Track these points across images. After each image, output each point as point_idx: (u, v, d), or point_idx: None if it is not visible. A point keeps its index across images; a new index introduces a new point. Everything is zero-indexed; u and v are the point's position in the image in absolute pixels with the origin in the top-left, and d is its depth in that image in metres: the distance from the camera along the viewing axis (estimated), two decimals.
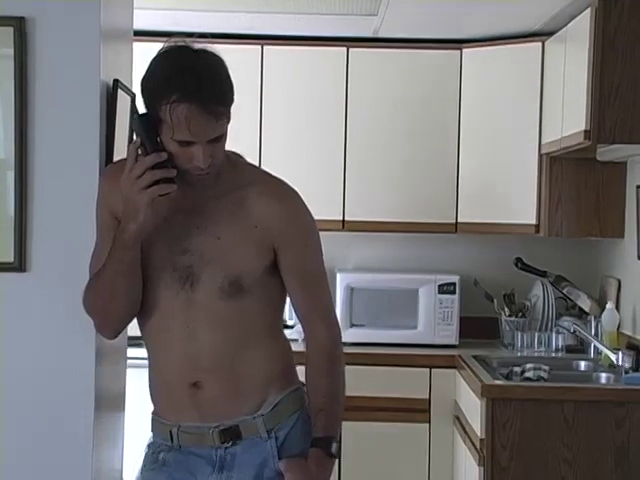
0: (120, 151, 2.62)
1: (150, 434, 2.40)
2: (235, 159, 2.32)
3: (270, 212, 2.25)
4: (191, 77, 2.07)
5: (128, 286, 2.22)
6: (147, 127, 2.13)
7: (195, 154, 2.12)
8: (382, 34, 4.77)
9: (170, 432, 2.30)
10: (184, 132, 2.08)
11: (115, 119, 2.59)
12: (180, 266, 2.23)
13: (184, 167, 2.14)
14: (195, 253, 2.22)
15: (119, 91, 2.63)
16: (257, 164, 4.52)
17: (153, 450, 2.35)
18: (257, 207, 2.24)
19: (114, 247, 2.19)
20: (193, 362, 2.24)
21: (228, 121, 2.16)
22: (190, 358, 2.24)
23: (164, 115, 2.08)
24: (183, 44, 2.15)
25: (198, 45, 2.15)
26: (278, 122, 4.82)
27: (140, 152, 2.14)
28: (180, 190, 2.17)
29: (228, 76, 2.15)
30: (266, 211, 2.24)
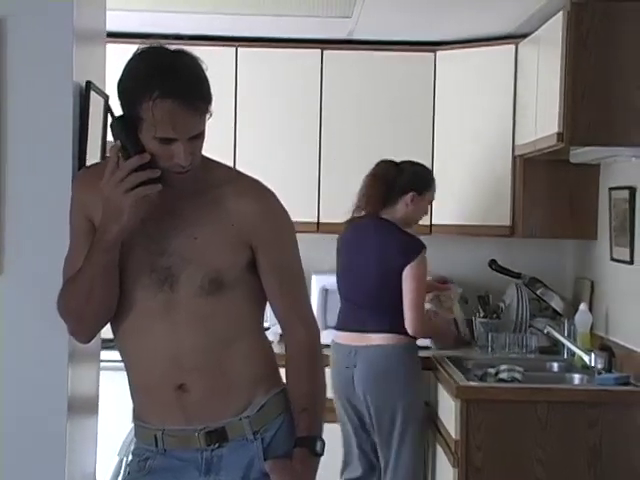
0: (93, 153, 2.61)
1: (133, 440, 2.39)
2: (208, 159, 2.31)
3: (246, 211, 2.25)
4: (172, 74, 2.08)
5: (105, 289, 2.21)
6: (126, 129, 2.12)
7: (176, 152, 2.12)
8: (357, 36, 4.78)
9: (155, 436, 2.29)
10: (167, 129, 2.08)
11: (88, 121, 2.58)
12: (159, 267, 2.22)
13: (164, 166, 2.13)
14: (173, 254, 2.22)
15: (92, 93, 2.62)
16: (232, 165, 4.52)
17: (139, 458, 2.33)
18: (233, 206, 2.24)
19: (93, 250, 2.17)
20: (176, 363, 2.23)
21: (209, 118, 2.17)
22: (173, 359, 2.23)
23: (145, 113, 2.07)
24: (159, 45, 2.15)
25: (173, 47, 2.16)
26: (253, 124, 4.82)
27: (120, 155, 2.13)
28: (157, 192, 2.16)
29: (205, 75, 2.16)
30: (242, 210, 2.25)
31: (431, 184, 4.26)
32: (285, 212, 2.34)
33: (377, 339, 4.09)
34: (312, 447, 2.26)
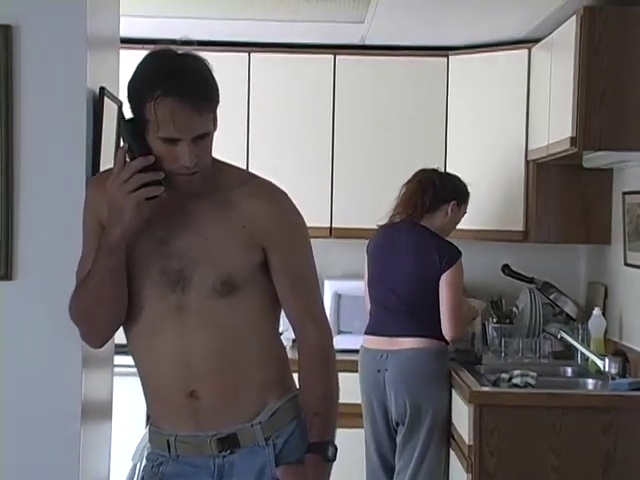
0: (107, 159, 2.62)
1: (147, 445, 2.40)
2: (220, 162, 2.31)
3: (258, 212, 2.24)
4: (174, 73, 2.10)
5: (113, 292, 2.21)
6: (134, 131, 2.14)
7: (180, 152, 2.12)
8: (369, 41, 4.78)
9: (167, 442, 2.29)
10: (169, 128, 2.09)
11: (102, 127, 2.59)
12: (170, 270, 2.21)
13: (170, 168, 2.14)
14: (184, 256, 2.21)
15: (106, 99, 2.62)
16: (244, 168, 4.51)
17: (152, 463, 2.33)
18: (245, 207, 2.23)
19: (99, 252, 2.18)
20: (187, 368, 2.22)
21: (214, 120, 2.17)
22: (184, 364, 2.22)
23: (149, 113, 2.09)
24: (167, 48, 2.17)
25: (183, 50, 2.17)
26: (265, 129, 4.83)
27: (128, 157, 2.14)
28: (166, 193, 2.17)
29: (213, 77, 2.17)
30: (254, 211, 2.24)
31: (468, 196, 4.32)
32: (298, 213, 2.33)
33: (409, 343, 4.11)
34: (324, 453, 2.24)
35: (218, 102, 2.17)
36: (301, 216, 2.33)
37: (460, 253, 4.16)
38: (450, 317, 4.10)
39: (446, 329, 4.11)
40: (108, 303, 2.22)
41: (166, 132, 2.10)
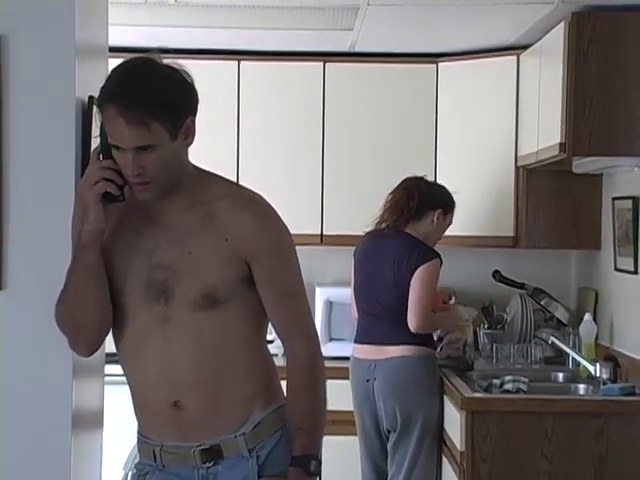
0: None
1: (137, 454, 2.39)
2: (206, 173, 2.31)
3: (240, 225, 2.22)
4: (119, 82, 2.11)
5: (93, 293, 2.22)
6: (103, 134, 2.18)
7: (123, 161, 2.14)
8: (358, 48, 4.79)
9: (153, 451, 2.29)
10: (111, 135, 2.13)
11: (91, 136, 2.58)
12: (154, 281, 2.22)
13: (125, 176, 2.16)
14: (168, 268, 2.21)
15: (94, 108, 2.62)
16: (235, 179, 4.51)
17: (139, 472, 2.34)
18: (227, 220, 2.22)
19: (74, 252, 2.21)
20: (171, 379, 2.22)
21: (165, 134, 2.12)
22: (168, 375, 2.22)
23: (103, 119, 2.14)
24: (143, 56, 2.17)
25: (164, 60, 2.16)
26: (255, 137, 4.83)
27: (99, 158, 2.20)
28: (150, 205, 2.20)
29: (170, 90, 2.12)
30: (236, 224, 2.22)
31: (454, 206, 4.31)
32: (282, 226, 2.30)
33: (396, 351, 4.10)
34: (306, 467, 2.22)
35: (174, 115, 2.12)
36: (286, 228, 2.31)
37: (438, 255, 4.15)
38: (414, 308, 4.07)
39: (410, 320, 4.08)
40: (90, 304, 2.23)
41: (110, 139, 2.13)
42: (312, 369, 2.28)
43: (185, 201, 2.24)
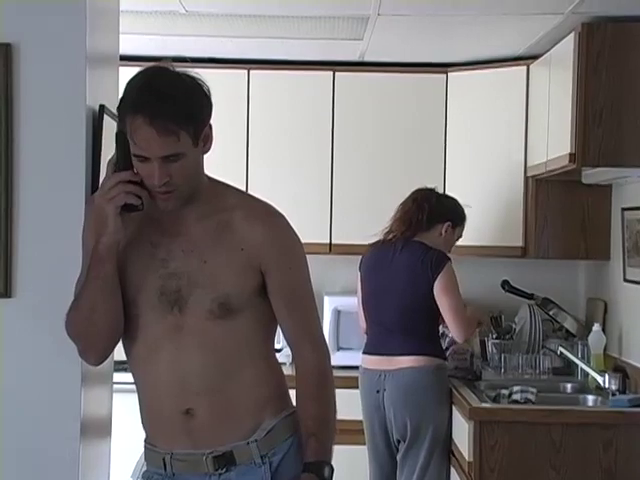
0: None
1: (144, 463, 2.39)
2: (219, 183, 2.33)
3: (254, 235, 2.24)
4: (146, 93, 2.10)
5: (107, 304, 2.22)
6: (122, 145, 2.17)
7: (149, 171, 2.13)
8: (368, 58, 4.80)
9: (163, 460, 2.29)
10: (138, 146, 2.12)
11: (101, 145, 2.59)
12: (168, 290, 2.23)
13: (148, 186, 2.16)
14: (183, 277, 2.22)
15: (105, 117, 2.63)
16: (244, 187, 4.52)
17: None
18: (242, 230, 2.24)
19: (90, 263, 2.21)
20: (183, 387, 2.23)
21: (196, 141, 2.14)
22: (180, 383, 2.23)
23: (127, 129, 2.12)
24: (159, 65, 2.18)
25: (178, 68, 2.17)
26: (265, 146, 4.84)
27: (116, 169, 2.18)
28: (165, 214, 2.21)
29: (192, 98, 2.14)
30: (251, 234, 2.24)
31: (464, 220, 4.31)
32: (294, 235, 2.33)
33: (406, 362, 4.10)
34: (320, 473, 2.23)
35: (197, 123, 2.14)
36: (298, 238, 2.33)
37: (448, 258, 4.15)
38: (455, 319, 4.09)
39: (454, 332, 4.12)
40: (102, 315, 2.23)
41: (135, 149, 2.13)
42: (322, 376, 2.30)
43: (200, 210, 2.25)
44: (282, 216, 2.33)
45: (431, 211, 4.20)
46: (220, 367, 2.24)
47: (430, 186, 4.31)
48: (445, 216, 4.23)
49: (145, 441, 2.36)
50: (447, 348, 4.42)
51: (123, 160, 2.16)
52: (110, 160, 2.20)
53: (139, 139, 2.10)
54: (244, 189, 4.40)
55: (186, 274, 2.22)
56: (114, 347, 2.34)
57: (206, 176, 2.30)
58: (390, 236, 4.24)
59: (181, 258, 2.24)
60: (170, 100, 2.09)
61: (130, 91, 2.13)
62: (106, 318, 2.24)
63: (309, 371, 2.29)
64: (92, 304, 2.21)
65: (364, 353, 4.27)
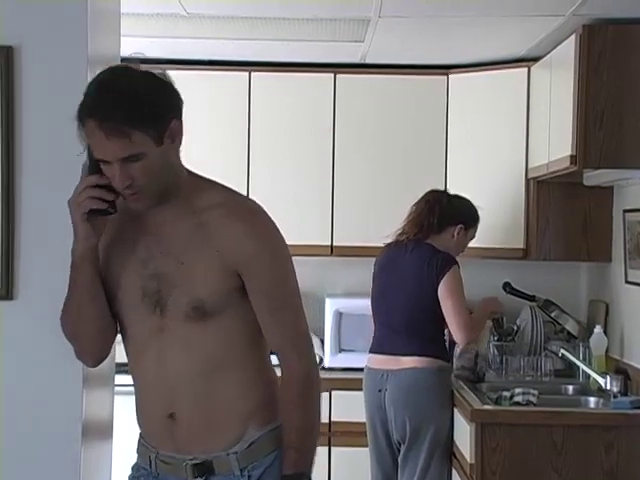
0: None
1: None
2: (200, 180, 2.26)
3: (232, 235, 2.15)
4: (97, 94, 2.06)
5: (91, 308, 2.21)
6: (89, 149, 2.14)
7: (111, 174, 2.09)
8: (369, 60, 4.80)
9: (149, 457, 2.28)
10: (95, 149, 2.08)
11: None
12: (149, 291, 2.19)
13: (116, 188, 2.11)
14: (162, 278, 2.18)
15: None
16: (245, 189, 4.50)
17: (134, 474, 2.33)
18: (219, 230, 2.17)
19: (71, 269, 2.20)
20: (167, 391, 2.20)
21: (149, 141, 2.06)
22: (164, 386, 2.21)
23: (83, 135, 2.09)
24: (118, 65, 2.16)
25: (143, 67, 2.11)
26: (266, 148, 4.83)
27: (88, 173, 2.15)
28: (144, 213, 2.18)
29: (150, 97, 2.06)
30: (228, 235, 2.16)
31: (477, 222, 4.31)
32: (277, 235, 2.22)
33: (409, 362, 4.10)
34: None
35: (157, 122, 2.06)
36: (281, 237, 2.23)
37: (455, 261, 4.15)
38: (455, 322, 4.09)
39: (455, 335, 4.12)
40: (90, 319, 2.22)
41: (95, 153, 2.09)
42: (305, 385, 2.20)
43: (179, 209, 2.19)
44: (263, 213, 2.23)
45: (442, 214, 4.21)
46: (201, 371, 2.18)
47: (436, 187, 4.31)
48: (457, 218, 4.24)
49: (139, 434, 2.34)
50: (453, 345, 4.41)
51: (93, 164, 2.12)
52: (84, 165, 2.16)
53: (92, 143, 2.06)
54: (245, 191, 4.44)
55: (164, 276, 2.18)
56: (109, 348, 2.33)
57: (186, 171, 2.23)
58: (402, 237, 4.25)
59: (159, 258, 2.19)
60: (119, 101, 2.02)
61: (85, 94, 2.08)
62: (94, 321, 2.23)
63: (292, 379, 2.20)
64: (77, 309, 2.21)
65: (370, 352, 4.28)
